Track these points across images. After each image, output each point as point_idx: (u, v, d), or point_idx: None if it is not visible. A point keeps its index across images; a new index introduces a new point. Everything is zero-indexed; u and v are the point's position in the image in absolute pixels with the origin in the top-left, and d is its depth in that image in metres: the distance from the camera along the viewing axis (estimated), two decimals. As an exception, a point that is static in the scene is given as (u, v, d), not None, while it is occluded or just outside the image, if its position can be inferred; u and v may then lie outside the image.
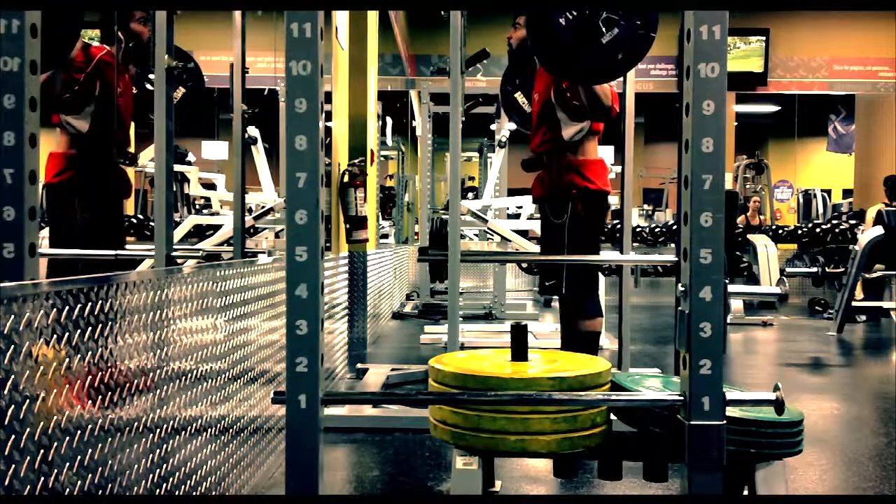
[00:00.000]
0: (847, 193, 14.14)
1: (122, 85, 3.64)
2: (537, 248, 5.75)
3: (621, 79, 3.36)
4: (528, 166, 3.70)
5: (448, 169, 3.31)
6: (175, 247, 2.60)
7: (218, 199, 8.55)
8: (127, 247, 4.31)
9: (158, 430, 1.76)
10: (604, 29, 2.69)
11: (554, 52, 2.83)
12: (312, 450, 1.60)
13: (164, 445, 1.79)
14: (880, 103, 10.68)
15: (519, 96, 4.05)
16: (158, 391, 1.78)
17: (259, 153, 6.06)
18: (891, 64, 9.98)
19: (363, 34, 5.31)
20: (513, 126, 5.63)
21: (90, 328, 1.44)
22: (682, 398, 1.65)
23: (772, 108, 15.05)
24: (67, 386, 1.35)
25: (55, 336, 1.31)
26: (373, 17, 5.61)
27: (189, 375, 1.99)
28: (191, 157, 9.27)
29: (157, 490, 1.74)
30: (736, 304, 7.42)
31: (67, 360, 1.35)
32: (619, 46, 2.73)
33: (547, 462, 2.84)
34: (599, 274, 3.79)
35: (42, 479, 1.25)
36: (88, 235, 3.44)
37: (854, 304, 6.64)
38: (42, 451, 1.25)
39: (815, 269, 7.47)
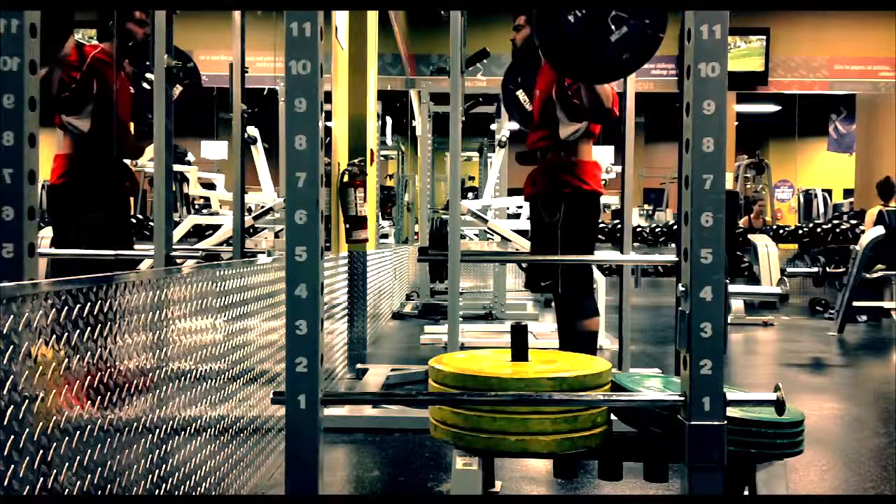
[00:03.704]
0: (848, 193, 14.14)
1: (119, 83, 3.62)
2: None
3: (622, 80, 3.37)
4: (522, 159, 3.73)
5: (448, 169, 3.30)
6: (174, 247, 2.60)
7: (217, 199, 8.56)
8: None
9: (158, 430, 1.76)
10: (613, 27, 2.67)
11: (561, 49, 2.81)
12: (312, 450, 1.60)
13: (164, 445, 1.79)
14: (881, 103, 10.68)
15: (521, 94, 4.03)
16: (158, 391, 1.77)
17: (259, 153, 6.06)
18: (891, 64, 9.98)
19: (363, 34, 5.30)
20: (513, 126, 5.63)
21: (90, 328, 1.43)
22: (682, 398, 1.65)
23: (772, 108, 15.02)
24: (67, 386, 1.35)
25: (55, 336, 1.31)
26: (373, 16, 5.61)
27: (189, 375, 1.98)
28: (190, 157, 9.27)
29: (157, 490, 1.74)
30: (737, 304, 7.42)
31: (67, 360, 1.35)
32: (626, 46, 2.70)
33: (546, 462, 2.84)
34: (599, 273, 3.81)
35: (42, 479, 1.25)
36: (95, 235, 3.42)
37: (854, 304, 6.63)
38: (41, 451, 1.25)
39: (815, 269, 7.47)
